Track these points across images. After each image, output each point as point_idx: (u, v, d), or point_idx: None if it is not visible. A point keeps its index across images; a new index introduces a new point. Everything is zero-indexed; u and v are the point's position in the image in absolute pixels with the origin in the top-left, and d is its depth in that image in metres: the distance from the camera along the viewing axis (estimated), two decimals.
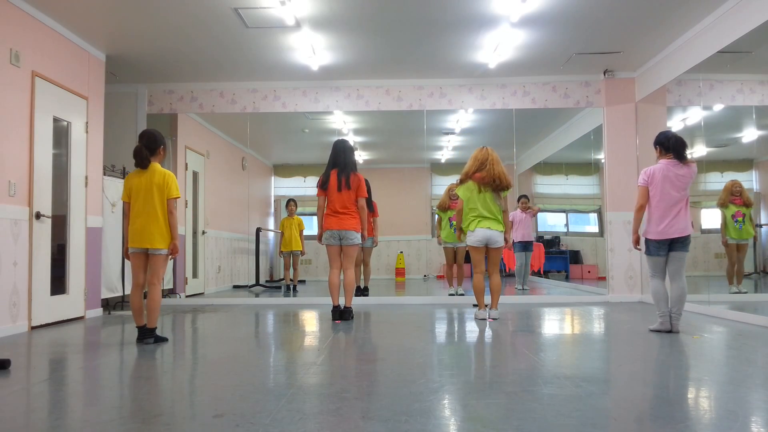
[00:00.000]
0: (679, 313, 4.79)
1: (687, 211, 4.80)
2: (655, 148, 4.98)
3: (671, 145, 4.83)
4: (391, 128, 9.91)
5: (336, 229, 5.69)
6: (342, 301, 5.82)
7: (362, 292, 8.11)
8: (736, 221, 6.93)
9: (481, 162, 5.67)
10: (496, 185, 5.62)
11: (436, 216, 8.76)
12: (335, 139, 6.20)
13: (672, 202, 4.76)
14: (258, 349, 4.56)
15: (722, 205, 6.99)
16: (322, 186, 5.81)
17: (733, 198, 6.97)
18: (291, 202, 9.48)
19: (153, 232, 4.50)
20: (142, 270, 4.61)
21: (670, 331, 4.80)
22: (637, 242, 5.00)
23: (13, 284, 5.21)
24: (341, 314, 5.75)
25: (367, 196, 5.90)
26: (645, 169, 4.96)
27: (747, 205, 6.92)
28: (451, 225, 8.16)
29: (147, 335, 4.53)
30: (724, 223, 7.00)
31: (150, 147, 4.59)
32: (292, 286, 9.34)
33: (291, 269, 9.42)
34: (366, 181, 6.18)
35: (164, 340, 4.65)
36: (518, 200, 9.12)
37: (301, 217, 9.66)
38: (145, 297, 4.59)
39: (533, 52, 7.02)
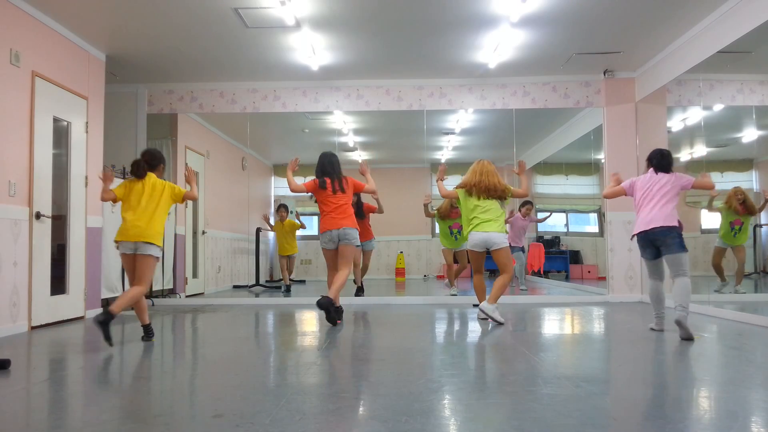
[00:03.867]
0: (684, 307, 4.50)
1: (667, 208, 4.76)
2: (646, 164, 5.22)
3: (652, 158, 5.07)
4: (391, 128, 9.90)
5: (334, 229, 5.48)
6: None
7: (357, 292, 8.03)
8: (733, 228, 6.94)
9: (479, 174, 5.77)
10: (491, 195, 5.69)
11: (436, 221, 8.69)
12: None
13: (652, 201, 4.85)
14: (258, 349, 4.56)
15: (727, 206, 6.96)
16: (321, 186, 5.64)
17: (738, 205, 6.94)
18: (282, 208, 9.39)
19: (143, 227, 4.49)
20: (133, 272, 4.63)
21: (676, 330, 4.79)
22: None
23: (13, 284, 5.21)
24: (327, 310, 5.24)
25: (364, 187, 5.81)
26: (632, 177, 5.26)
27: (751, 213, 6.90)
28: (451, 233, 8.09)
29: (148, 332, 4.64)
30: (722, 225, 7.01)
31: (150, 163, 4.68)
32: (285, 287, 9.33)
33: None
34: None
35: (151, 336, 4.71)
36: (522, 206, 9.03)
37: (301, 218, 9.66)
38: (147, 297, 4.63)
39: (533, 52, 7.02)
